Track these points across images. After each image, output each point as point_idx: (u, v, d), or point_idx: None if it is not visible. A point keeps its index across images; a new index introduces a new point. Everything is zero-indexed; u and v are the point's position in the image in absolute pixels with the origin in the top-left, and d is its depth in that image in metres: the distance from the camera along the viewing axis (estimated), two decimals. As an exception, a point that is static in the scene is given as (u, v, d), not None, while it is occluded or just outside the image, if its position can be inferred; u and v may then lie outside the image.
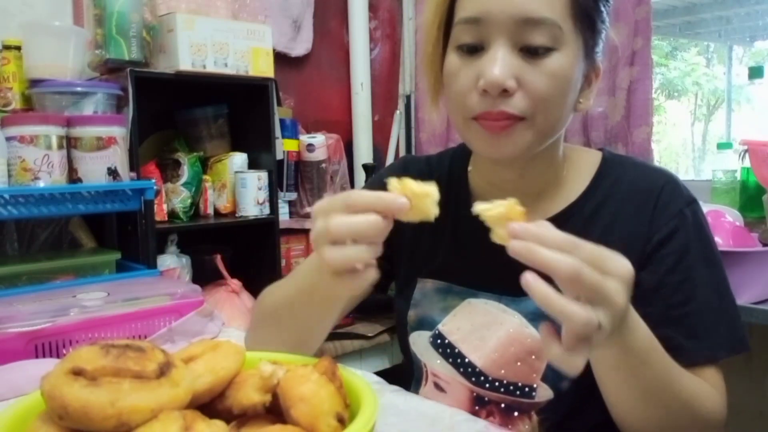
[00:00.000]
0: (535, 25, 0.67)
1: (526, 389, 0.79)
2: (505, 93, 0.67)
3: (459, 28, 0.71)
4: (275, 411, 0.49)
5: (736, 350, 0.74)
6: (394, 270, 0.92)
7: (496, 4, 0.67)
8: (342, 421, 0.47)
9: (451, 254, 0.85)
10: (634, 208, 0.77)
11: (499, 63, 0.67)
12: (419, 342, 0.87)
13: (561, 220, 0.79)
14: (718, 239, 1.47)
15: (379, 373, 0.98)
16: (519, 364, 0.78)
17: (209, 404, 0.51)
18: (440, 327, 0.85)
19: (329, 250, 0.56)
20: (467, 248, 0.84)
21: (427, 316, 0.86)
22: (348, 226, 0.55)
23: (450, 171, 0.90)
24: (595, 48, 0.74)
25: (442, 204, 0.87)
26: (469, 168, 0.88)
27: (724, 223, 1.51)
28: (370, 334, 1.83)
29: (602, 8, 0.73)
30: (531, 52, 0.68)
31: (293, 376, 0.48)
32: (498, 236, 0.53)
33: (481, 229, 0.82)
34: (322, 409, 0.46)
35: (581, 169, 0.82)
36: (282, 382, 0.48)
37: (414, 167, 0.92)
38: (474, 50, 0.70)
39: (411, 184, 0.57)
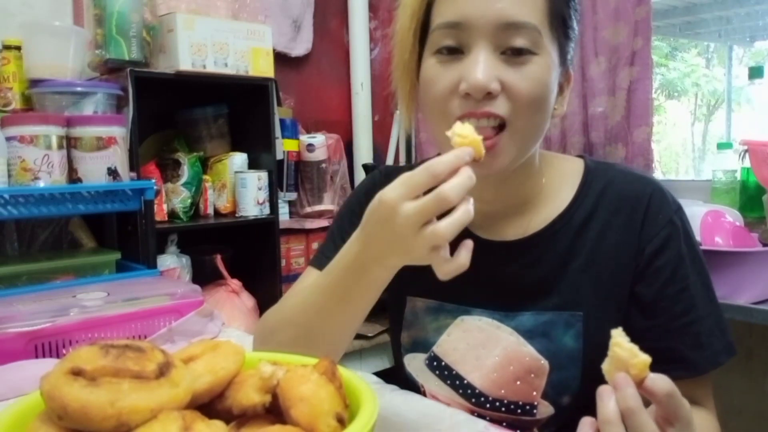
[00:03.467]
0: (517, 29, 0.67)
1: (527, 407, 0.78)
2: (488, 96, 0.67)
3: (438, 33, 0.70)
4: (275, 411, 0.49)
5: (731, 353, 0.75)
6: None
7: (477, 9, 0.67)
8: (342, 422, 0.47)
9: None
10: (623, 218, 0.77)
11: (482, 66, 0.66)
12: (414, 364, 0.86)
13: (550, 233, 0.78)
14: (718, 239, 1.47)
15: (378, 373, 0.98)
16: (518, 383, 0.78)
17: (209, 404, 0.51)
18: (435, 349, 0.83)
19: (440, 228, 0.57)
20: None
21: (421, 337, 0.85)
22: (458, 189, 0.57)
23: None
24: (567, 55, 0.74)
25: None
26: None
27: (724, 223, 1.51)
28: (370, 334, 1.84)
29: (573, 16, 0.73)
30: (513, 55, 0.68)
31: (293, 376, 0.48)
32: (607, 368, 0.54)
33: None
34: (321, 409, 0.46)
35: (563, 178, 0.81)
36: (282, 382, 0.48)
37: (395, 177, 0.90)
38: (453, 52, 0.70)
39: (471, 132, 0.61)
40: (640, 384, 0.52)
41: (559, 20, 0.71)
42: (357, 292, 0.69)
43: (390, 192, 0.59)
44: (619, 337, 0.54)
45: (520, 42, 0.67)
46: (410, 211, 0.58)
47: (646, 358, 0.52)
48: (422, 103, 0.75)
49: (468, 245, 0.61)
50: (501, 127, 0.69)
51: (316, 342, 0.73)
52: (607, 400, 0.52)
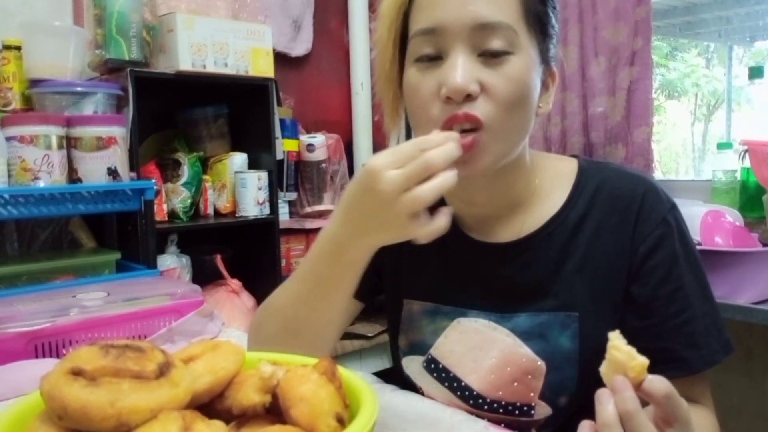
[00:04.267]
0: (492, 30, 0.67)
1: (525, 408, 0.78)
2: (468, 98, 0.67)
3: (416, 41, 0.71)
4: (275, 411, 0.49)
5: (728, 352, 0.75)
6: (382, 284, 0.91)
7: (451, 13, 0.68)
8: (342, 422, 0.47)
9: (437, 273, 0.84)
10: (617, 218, 0.76)
11: (460, 69, 0.67)
12: (412, 367, 0.86)
13: (544, 234, 0.78)
14: (718, 239, 1.47)
15: (378, 373, 0.98)
16: (516, 384, 0.78)
17: (209, 404, 0.51)
18: (432, 351, 0.83)
19: (420, 191, 0.60)
20: (454, 266, 0.83)
21: (418, 340, 0.85)
22: (442, 156, 0.61)
23: None
24: (549, 53, 0.74)
25: None
26: None
27: (724, 223, 1.51)
28: (369, 334, 1.84)
29: (551, 13, 0.73)
30: (491, 56, 0.68)
31: (293, 376, 0.48)
32: (605, 370, 0.54)
33: (466, 246, 0.83)
34: (321, 409, 0.46)
35: (557, 178, 0.81)
36: (282, 382, 0.48)
37: None
38: (432, 59, 0.70)
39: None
40: (638, 386, 0.52)
41: (535, 18, 0.71)
42: (334, 277, 0.70)
43: (376, 159, 0.62)
44: (616, 340, 0.54)
45: (496, 44, 0.68)
46: (394, 175, 0.60)
47: (644, 361, 0.52)
48: (408, 112, 0.76)
49: (446, 211, 0.64)
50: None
51: (300, 332, 0.74)
52: (605, 403, 0.52)
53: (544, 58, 0.73)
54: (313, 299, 0.72)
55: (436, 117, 0.69)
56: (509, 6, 0.69)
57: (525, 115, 0.71)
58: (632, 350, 0.53)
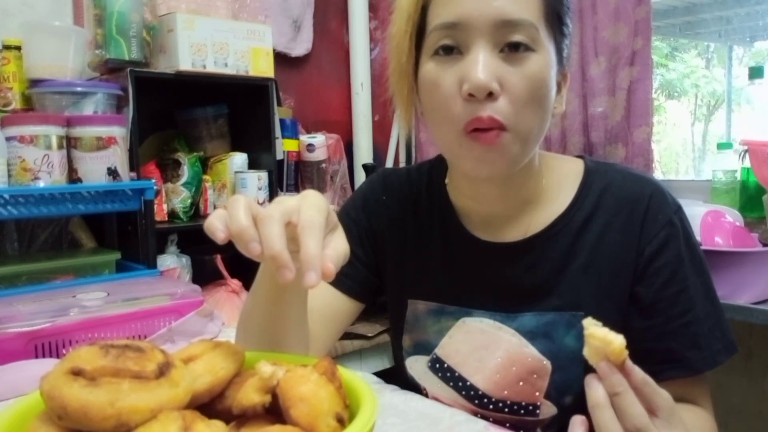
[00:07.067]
0: (514, 27, 0.67)
1: (530, 408, 0.78)
2: (490, 96, 0.67)
3: (435, 35, 0.70)
4: (275, 411, 0.49)
5: (731, 353, 0.75)
6: (383, 286, 0.91)
7: (474, 8, 0.67)
8: (341, 422, 0.47)
9: (442, 273, 0.84)
10: (623, 219, 0.77)
11: (482, 65, 0.66)
12: (416, 367, 0.86)
13: (550, 235, 0.78)
14: (718, 239, 1.47)
15: (378, 373, 0.98)
16: (521, 384, 0.78)
17: (208, 404, 0.51)
18: (437, 351, 0.83)
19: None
20: (458, 266, 0.83)
21: (422, 340, 0.85)
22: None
23: (429, 185, 0.88)
24: (563, 53, 0.74)
25: (428, 221, 0.87)
26: (446, 181, 0.86)
27: (724, 223, 1.50)
28: (369, 334, 1.83)
29: (567, 12, 0.73)
30: (511, 50, 0.67)
31: (293, 376, 0.48)
32: (588, 354, 0.56)
33: (471, 246, 0.83)
34: (321, 409, 0.46)
35: (564, 178, 0.81)
36: (281, 382, 0.48)
37: (393, 180, 0.91)
38: (450, 52, 0.69)
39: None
40: (621, 366, 0.54)
41: (555, 17, 0.71)
42: (262, 282, 0.69)
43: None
44: (591, 327, 0.55)
45: (518, 37, 0.67)
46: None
47: (620, 343, 0.54)
48: (425, 107, 0.75)
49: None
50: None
51: (257, 340, 0.71)
52: (595, 387, 0.55)
53: (560, 58, 0.73)
54: (256, 306, 0.70)
55: (458, 115, 0.69)
56: (532, 3, 0.68)
57: (543, 115, 0.71)
58: (607, 334, 0.54)
